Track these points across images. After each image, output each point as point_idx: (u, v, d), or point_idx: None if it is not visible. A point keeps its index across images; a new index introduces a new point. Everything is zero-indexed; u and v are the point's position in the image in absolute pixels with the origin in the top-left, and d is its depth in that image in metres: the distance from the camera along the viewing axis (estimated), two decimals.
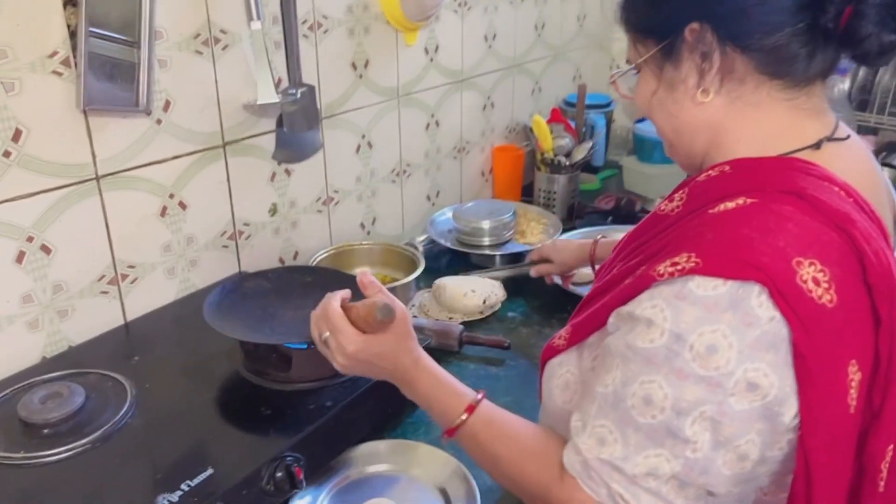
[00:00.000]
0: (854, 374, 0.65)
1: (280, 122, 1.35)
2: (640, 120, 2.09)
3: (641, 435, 0.66)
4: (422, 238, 1.66)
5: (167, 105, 1.18)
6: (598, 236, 1.38)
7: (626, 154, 2.19)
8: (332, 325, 0.89)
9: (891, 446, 0.67)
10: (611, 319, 0.72)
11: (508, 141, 1.98)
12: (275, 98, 1.26)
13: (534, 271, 1.46)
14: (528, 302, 1.47)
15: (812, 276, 0.63)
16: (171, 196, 1.23)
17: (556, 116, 1.85)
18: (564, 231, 1.64)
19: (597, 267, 1.25)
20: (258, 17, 1.22)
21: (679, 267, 0.65)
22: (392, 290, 1.37)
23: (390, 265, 1.52)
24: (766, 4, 0.69)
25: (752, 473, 0.67)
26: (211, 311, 1.07)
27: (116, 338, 1.19)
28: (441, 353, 1.27)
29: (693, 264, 0.64)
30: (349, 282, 1.16)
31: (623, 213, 1.82)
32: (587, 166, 1.95)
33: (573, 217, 1.79)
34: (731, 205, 0.67)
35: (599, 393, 0.70)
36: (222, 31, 1.22)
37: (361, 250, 1.53)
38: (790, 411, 0.64)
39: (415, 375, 0.89)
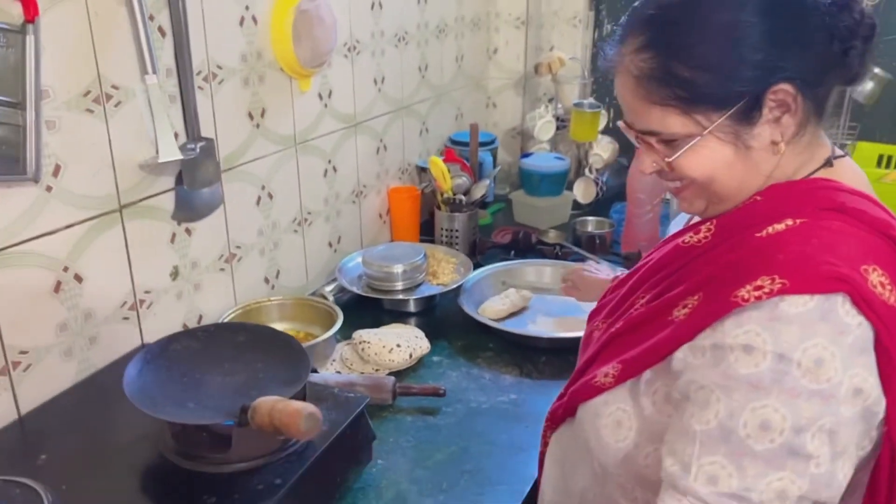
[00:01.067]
0: None
1: (179, 180, 1.26)
2: (526, 155, 2.16)
3: (760, 462, 0.67)
4: (330, 287, 1.60)
5: (57, 170, 1.06)
6: (619, 272, 1.39)
7: (511, 188, 2.25)
8: None
9: None
10: (679, 355, 0.73)
11: (402, 182, 1.98)
12: (178, 155, 1.18)
13: (564, 290, 1.49)
14: (451, 343, 1.46)
15: (878, 280, 0.69)
16: (66, 269, 1.11)
17: (450, 156, 1.87)
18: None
19: None
20: (154, 71, 1.14)
21: (766, 290, 0.68)
22: (311, 347, 1.32)
23: (303, 319, 1.46)
24: (823, 61, 0.74)
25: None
26: (134, 386, 0.97)
27: (12, 435, 1.04)
28: (375, 408, 1.22)
29: (780, 285, 0.67)
30: (285, 339, 1.11)
31: (521, 246, 1.85)
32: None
33: (475, 253, 1.81)
34: (780, 227, 0.73)
35: (700, 431, 0.70)
36: (114, 87, 1.13)
37: (271, 306, 1.46)
38: (882, 409, 0.69)
39: None
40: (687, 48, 0.74)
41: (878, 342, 0.68)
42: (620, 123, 0.83)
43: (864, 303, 0.67)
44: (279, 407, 0.84)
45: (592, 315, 0.98)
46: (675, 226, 1.08)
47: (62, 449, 1.01)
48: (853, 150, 2.01)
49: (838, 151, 0.81)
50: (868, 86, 1.99)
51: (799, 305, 0.67)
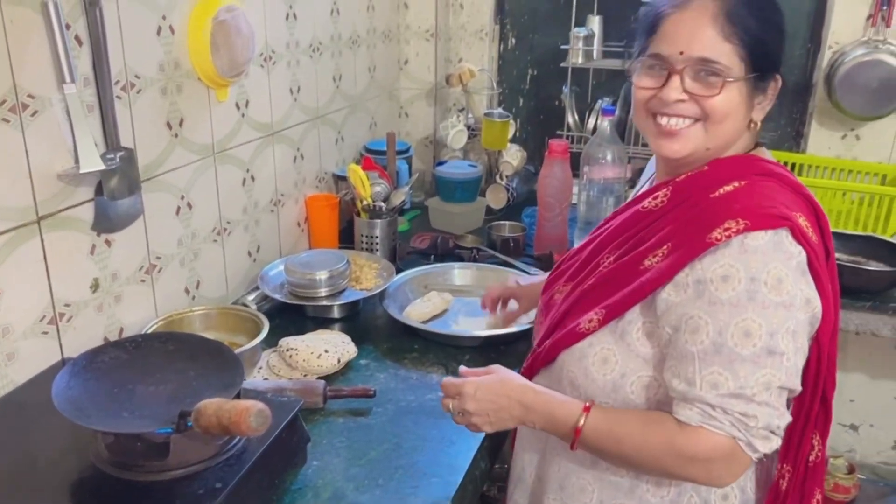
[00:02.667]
0: (830, 292, 0.93)
1: (99, 190, 1.24)
2: (441, 163, 2.22)
3: (748, 364, 0.86)
4: (252, 296, 1.60)
5: None
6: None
7: (426, 195, 2.31)
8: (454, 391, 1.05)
9: (837, 346, 0.98)
10: (663, 295, 0.91)
11: (319, 190, 1.99)
12: (99, 165, 1.16)
13: (506, 323, 1.46)
14: (377, 346, 1.49)
15: (804, 223, 0.90)
16: None
17: (368, 164, 1.90)
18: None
19: None
20: (72, 80, 1.13)
21: (733, 230, 0.87)
22: (238, 355, 1.32)
23: (227, 329, 1.46)
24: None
25: None
26: (63, 398, 0.95)
27: None
28: (306, 412, 1.24)
29: (744, 225, 0.87)
30: (215, 346, 1.11)
31: (440, 250, 1.91)
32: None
33: (395, 258, 1.85)
34: (729, 188, 0.93)
35: (696, 351, 0.88)
36: (30, 96, 1.10)
37: (194, 317, 1.45)
38: (818, 320, 0.91)
39: (533, 398, 1.00)
40: (767, 9, 0.95)
41: (811, 266, 0.89)
42: (659, 54, 0.95)
43: (801, 236, 0.89)
44: (227, 407, 0.85)
45: (551, 282, 1.14)
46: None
47: None
48: None
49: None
50: None
51: (759, 239, 0.87)
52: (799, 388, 0.90)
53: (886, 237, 1.90)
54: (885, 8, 2.01)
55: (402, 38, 2.39)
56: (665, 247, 0.93)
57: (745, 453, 0.88)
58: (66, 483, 0.96)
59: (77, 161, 1.17)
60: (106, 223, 1.27)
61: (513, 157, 2.24)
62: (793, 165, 2.19)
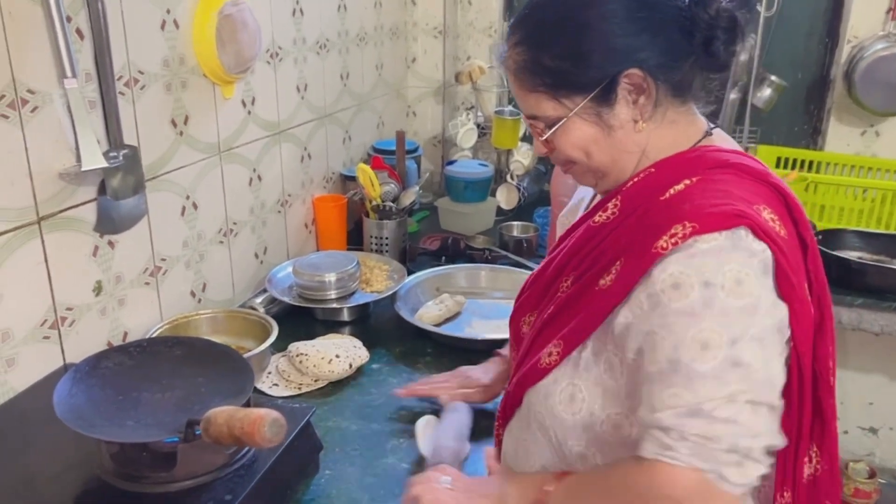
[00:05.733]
0: (807, 290, 0.81)
1: (102, 189, 1.20)
2: (450, 162, 2.18)
3: (709, 380, 0.73)
4: (259, 299, 1.56)
5: None
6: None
7: (435, 196, 2.27)
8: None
9: (832, 347, 0.84)
10: (621, 318, 0.80)
11: (327, 191, 1.95)
12: (102, 163, 1.12)
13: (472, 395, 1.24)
14: (389, 350, 1.45)
15: (769, 216, 0.79)
16: None
17: (378, 164, 1.86)
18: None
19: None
20: (73, 75, 1.08)
21: (680, 235, 0.76)
22: (247, 359, 1.28)
23: (235, 333, 1.41)
24: (675, 49, 0.84)
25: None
26: (65, 407, 0.91)
27: None
28: (317, 418, 1.19)
29: (691, 228, 0.76)
30: (224, 351, 1.07)
31: (451, 252, 1.87)
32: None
33: (405, 260, 1.80)
34: (680, 187, 0.82)
35: (654, 371, 0.76)
36: (30, 92, 1.06)
37: (200, 320, 1.40)
38: (788, 326, 0.78)
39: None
40: (550, 41, 0.85)
41: (777, 264, 0.77)
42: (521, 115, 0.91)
43: (763, 233, 0.77)
44: (239, 416, 0.80)
45: (516, 314, 1.02)
46: (580, 193, 1.14)
47: None
48: (755, 154, 2.15)
49: (711, 125, 0.92)
50: (766, 92, 2.14)
51: (711, 241, 0.76)
52: (777, 403, 0.77)
53: None
54: None
55: (409, 35, 2.35)
56: (618, 263, 0.82)
57: (718, 487, 0.73)
58: (70, 496, 0.92)
59: (79, 159, 1.12)
60: (109, 224, 1.23)
61: (524, 156, 2.19)
62: (810, 163, 2.15)
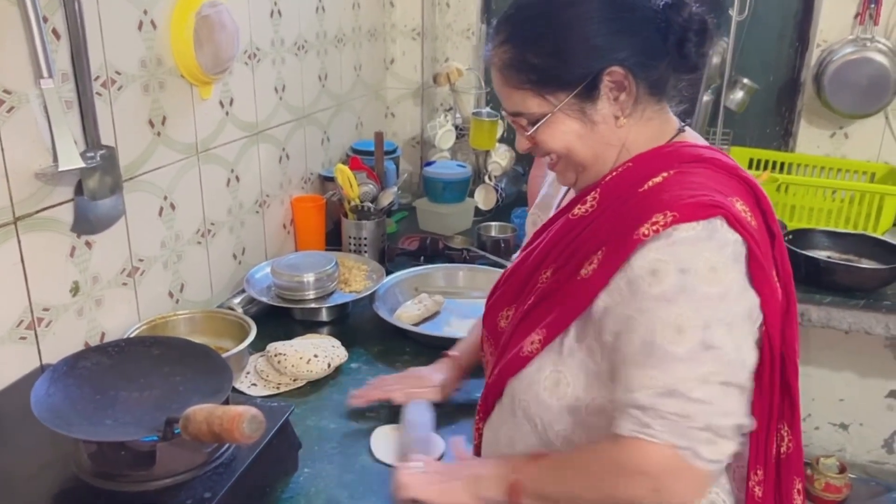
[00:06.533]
0: (775, 278, 0.85)
1: (79, 190, 1.20)
2: (429, 163, 2.19)
3: (684, 362, 0.77)
4: (238, 299, 1.56)
5: None
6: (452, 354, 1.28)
7: (413, 196, 2.28)
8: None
9: (797, 329, 0.89)
10: (600, 303, 0.83)
11: (305, 191, 1.96)
12: (79, 163, 1.12)
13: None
14: (368, 350, 1.46)
15: (742, 208, 0.83)
16: None
17: (356, 164, 1.87)
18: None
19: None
20: (50, 75, 1.08)
21: (661, 223, 0.80)
22: (226, 359, 1.28)
23: (213, 333, 1.41)
24: (650, 42, 0.88)
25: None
26: (42, 406, 0.91)
27: None
28: (296, 416, 1.20)
29: (672, 217, 0.80)
30: (203, 350, 1.07)
31: (430, 252, 1.88)
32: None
33: (384, 260, 1.81)
34: (658, 179, 0.86)
35: (630, 353, 0.80)
36: (6, 92, 1.06)
37: (178, 321, 1.40)
38: (760, 313, 0.83)
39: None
40: (535, 39, 0.88)
41: (750, 253, 0.81)
42: (503, 112, 0.95)
43: (738, 223, 0.81)
44: (218, 413, 0.81)
45: (491, 310, 1.03)
46: (547, 188, 1.17)
47: None
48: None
49: (682, 123, 0.97)
50: (738, 95, 2.18)
51: (689, 230, 0.79)
52: (747, 384, 0.81)
53: (877, 235, 1.90)
54: (872, 6, 2.01)
55: (388, 36, 2.36)
56: (599, 252, 0.85)
57: (692, 464, 0.77)
58: (48, 496, 0.91)
59: (56, 159, 1.12)
60: (86, 224, 1.23)
61: (501, 157, 2.21)
62: (781, 164, 2.19)
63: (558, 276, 0.90)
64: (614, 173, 0.90)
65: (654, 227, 0.80)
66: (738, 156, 2.18)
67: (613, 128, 0.89)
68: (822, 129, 2.18)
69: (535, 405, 0.90)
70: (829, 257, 1.83)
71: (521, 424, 0.93)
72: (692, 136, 0.96)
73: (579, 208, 0.92)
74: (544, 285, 0.92)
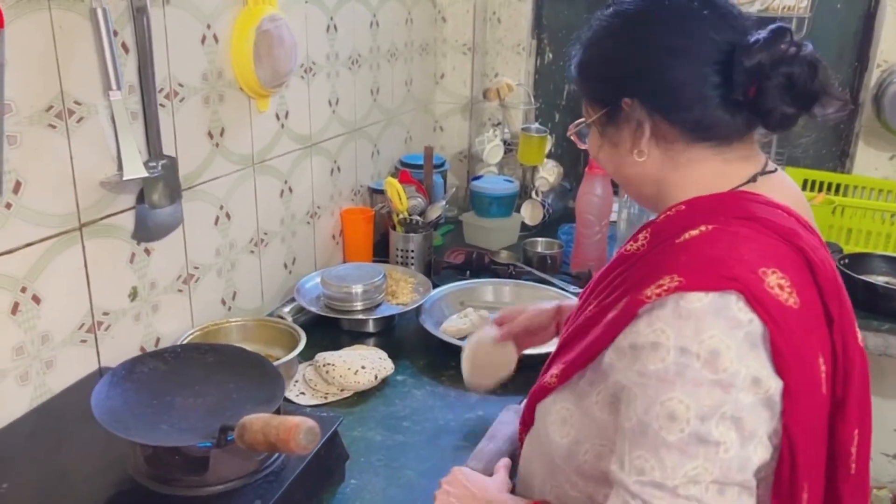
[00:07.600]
0: (822, 367, 0.75)
1: (140, 198, 1.23)
2: (476, 178, 2.20)
3: (675, 452, 0.71)
4: (288, 308, 1.58)
5: (17, 186, 1.03)
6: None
7: (459, 210, 2.29)
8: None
9: (856, 431, 0.77)
10: (607, 359, 0.79)
11: (354, 203, 1.98)
12: (143, 172, 1.15)
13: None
14: (414, 363, 1.46)
15: (777, 282, 0.73)
16: (24, 290, 1.06)
17: (405, 178, 1.88)
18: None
19: None
20: (118, 87, 1.12)
21: (665, 287, 0.73)
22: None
23: (263, 341, 1.43)
24: (684, 86, 0.81)
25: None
26: (102, 409, 0.93)
27: None
28: (343, 427, 1.21)
29: (677, 283, 0.72)
30: (256, 359, 1.09)
31: (476, 266, 1.88)
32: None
33: (430, 273, 1.82)
34: (694, 232, 0.78)
35: (627, 428, 0.75)
36: (77, 103, 1.10)
37: (230, 328, 1.43)
38: (780, 402, 0.73)
39: None
40: (589, 53, 0.90)
41: (771, 339, 0.71)
42: None
43: (757, 302, 0.71)
44: (274, 423, 0.82)
45: (567, 320, 1.02)
46: None
47: (24, 478, 0.97)
48: None
49: (770, 167, 0.86)
50: None
51: (695, 301, 0.72)
52: (751, 481, 0.73)
53: None
54: None
55: (438, 51, 2.38)
56: (623, 301, 0.79)
57: None
58: (103, 495, 0.94)
59: (120, 168, 1.16)
60: (146, 232, 1.26)
61: (549, 172, 2.21)
62: (837, 186, 2.14)
63: (595, 311, 0.85)
64: (668, 213, 0.84)
65: (658, 291, 0.73)
66: (793, 176, 2.13)
67: (634, 159, 0.86)
68: (882, 150, 2.13)
69: (545, 436, 0.90)
70: (887, 283, 1.78)
71: (539, 450, 0.92)
72: (771, 185, 0.84)
73: (631, 245, 0.87)
74: (582, 319, 0.88)
